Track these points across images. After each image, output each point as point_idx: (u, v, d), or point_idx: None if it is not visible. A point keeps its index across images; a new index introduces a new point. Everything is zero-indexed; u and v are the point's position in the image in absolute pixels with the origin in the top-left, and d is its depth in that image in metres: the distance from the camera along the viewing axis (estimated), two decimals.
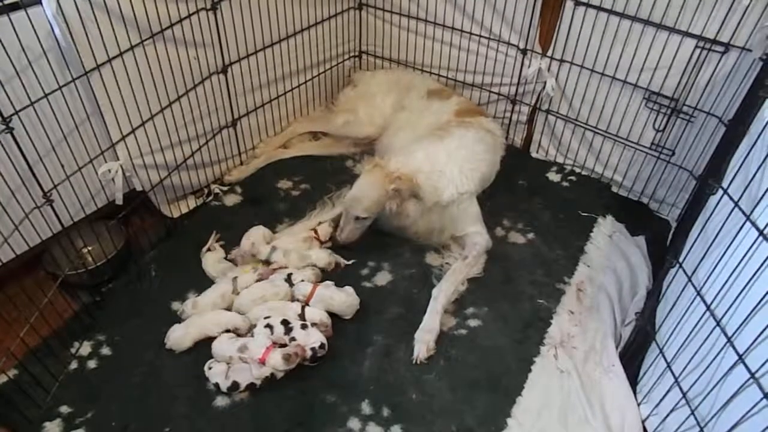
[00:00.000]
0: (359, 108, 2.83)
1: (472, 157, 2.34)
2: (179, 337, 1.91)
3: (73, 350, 1.92)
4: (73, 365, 1.88)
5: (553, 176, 2.78)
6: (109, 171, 2.05)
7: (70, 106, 1.88)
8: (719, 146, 2.19)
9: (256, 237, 2.24)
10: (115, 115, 2.00)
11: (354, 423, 1.74)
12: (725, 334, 1.40)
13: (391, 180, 2.10)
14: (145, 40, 2.00)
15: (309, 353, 1.83)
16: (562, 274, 2.27)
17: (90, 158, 1.98)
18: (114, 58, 1.91)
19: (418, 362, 1.90)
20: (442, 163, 2.23)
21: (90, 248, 2.17)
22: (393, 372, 1.88)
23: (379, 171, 2.13)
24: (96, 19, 1.80)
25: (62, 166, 1.93)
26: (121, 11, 1.87)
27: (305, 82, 2.89)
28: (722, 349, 1.42)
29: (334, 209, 2.46)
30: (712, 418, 1.44)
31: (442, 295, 2.07)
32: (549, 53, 2.58)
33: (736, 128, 1.83)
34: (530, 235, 2.44)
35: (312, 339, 1.86)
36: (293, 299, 2.05)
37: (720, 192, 1.50)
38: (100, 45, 1.85)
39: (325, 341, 1.87)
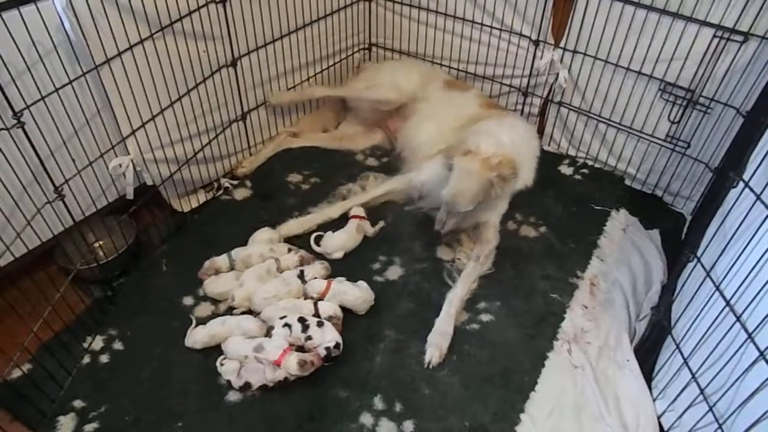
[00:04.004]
0: (383, 75, 2.78)
1: (532, 146, 2.32)
2: (201, 338, 1.90)
3: (85, 344, 1.92)
4: (86, 359, 1.89)
5: (566, 169, 2.75)
6: (120, 165, 2.05)
7: (80, 100, 1.87)
8: (737, 138, 2.15)
9: (262, 240, 2.22)
10: (125, 110, 2.00)
11: (366, 418, 1.74)
12: (745, 330, 1.38)
13: (491, 166, 1.93)
14: (155, 33, 1.99)
15: (323, 353, 1.82)
16: (575, 268, 2.25)
17: (101, 153, 1.98)
18: (124, 51, 1.90)
19: (431, 367, 1.87)
20: (520, 150, 2.11)
21: (101, 243, 2.18)
22: (405, 367, 1.87)
23: (473, 158, 1.95)
24: (106, 13, 1.79)
25: (73, 160, 1.92)
26: (130, 4, 1.86)
27: (315, 74, 2.87)
28: (742, 345, 1.40)
29: (363, 195, 2.45)
30: (731, 414, 1.42)
31: (456, 299, 2.02)
32: (562, 44, 2.54)
33: (756, 119, 1.79)
34: (542, 229, 2.41)
35: (327, 338, 1.84)
36: (305, 297, 2.03)
37: (741, 185, 1.47)
38: (110, 39, 1.84)
39: (340, 341, 1.85)
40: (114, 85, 1.92)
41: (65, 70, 1.77)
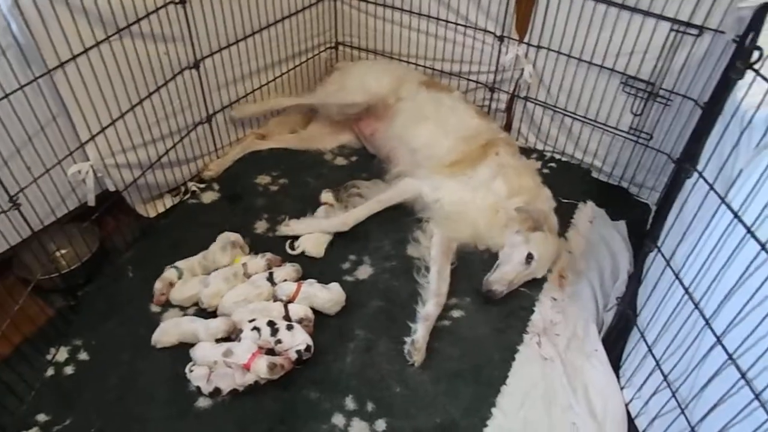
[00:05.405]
0: (353, 77, 2.76)
1: None
2: (165, 332, 1.89)
3: (49, 356, 1.87)
4: (50, 372, 1.84)
5: (534, 163, 2.76)
6: (79, 172, 2.00)
7: (33, 106, 1.81)
8: (695, 129, 2.20)
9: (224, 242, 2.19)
10: (83, 115, 1.94)
11: (338, 419, 1.73)
12: (703, 316, 1.41)
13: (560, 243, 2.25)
14: (112, 35, 1.94)
15: (294, 356, 1.80)
16: None
17: (58, 160, 1.92)
18: (79, 55, 1.85)
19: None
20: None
21: (63, 252, 2.12)
22: (376, 366, 1.86)
23: (554, 235, 2.20)
24: (56, 14, 1.73)
25: (28, 168, 1.86)
26: (83, 5, 1.80)
27: (281, 75, 2.84)
28: (700, 331, 1.43)
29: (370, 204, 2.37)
30: (692, 399, 1.45)
31: (431, 320, 1.99)
32: (526, 40, 2.57)
33: (711, 111, 1.83)
34: None
35: (297, 341, 1.82)
36: (275, 299, 2.01)
37: (695, 175, 1.50)
38: (62, 41, 1.78)
39: (311, 343, 1.83)
40: (69, 89, 1.87)
41: (15, 75, 1.71)
